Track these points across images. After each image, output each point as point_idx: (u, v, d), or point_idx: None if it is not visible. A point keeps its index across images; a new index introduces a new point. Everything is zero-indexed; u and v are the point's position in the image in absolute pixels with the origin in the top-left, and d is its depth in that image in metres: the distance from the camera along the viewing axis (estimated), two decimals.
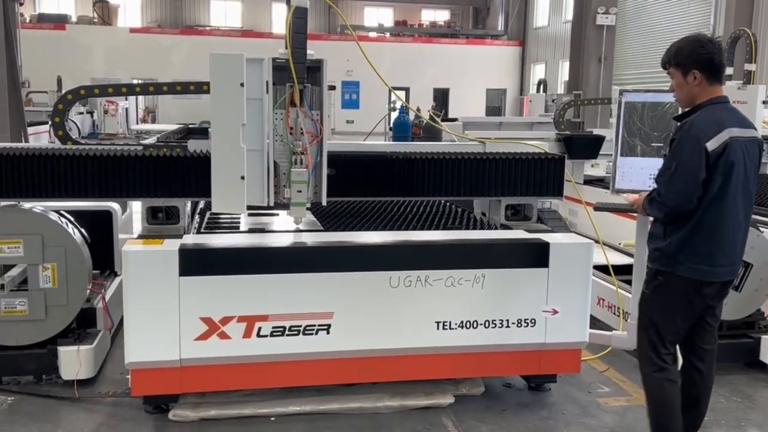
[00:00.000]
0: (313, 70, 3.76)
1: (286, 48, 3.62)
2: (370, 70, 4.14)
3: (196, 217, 4.85)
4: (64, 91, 6.98)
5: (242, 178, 3.51)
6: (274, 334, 3.76)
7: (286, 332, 3.77)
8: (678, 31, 21.76)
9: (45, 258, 4.20)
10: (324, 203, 3.87)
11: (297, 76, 3.64)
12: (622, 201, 4.37)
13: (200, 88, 4.64)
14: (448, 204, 5.35)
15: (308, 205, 3.86)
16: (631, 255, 5.05)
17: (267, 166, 3.68)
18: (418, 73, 29.31)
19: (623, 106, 4.33)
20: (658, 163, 4.23)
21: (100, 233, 4.91)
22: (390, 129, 16.38)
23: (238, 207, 3.61)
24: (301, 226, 4.25)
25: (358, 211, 5.04)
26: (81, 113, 20.98)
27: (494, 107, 32.33)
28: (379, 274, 3.86)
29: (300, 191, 3.77)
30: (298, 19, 3.61)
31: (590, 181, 7.52)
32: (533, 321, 4.07)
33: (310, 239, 4.01)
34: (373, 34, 33.33)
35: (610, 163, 4.44)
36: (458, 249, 4.01)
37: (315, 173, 3.82)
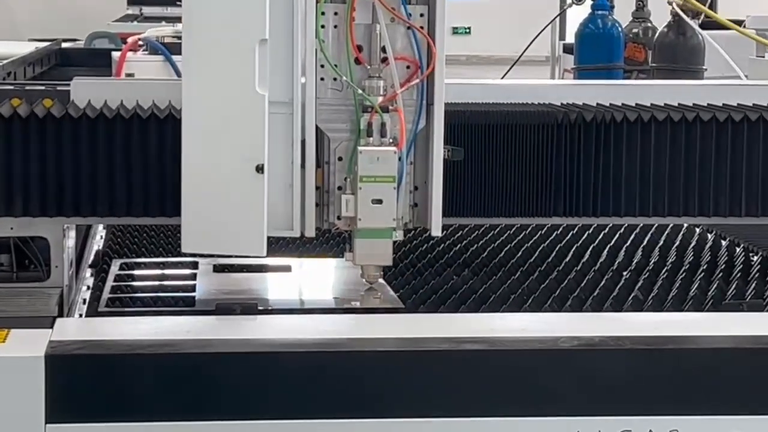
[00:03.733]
0: None
1: None
2: None
3: (85, 266, 2.71)
4: None
5: (259, 169, 2.20)
6: None
7: None
8: None
9: None
10: (438, 232, 2.27)
11: None
12: None
13: None
14: (710, 235, 3.06)
15: (399, 237, 2.23)
16: None
17: (302, 140, 2.19)
18: None
19: None
20: None
21: None
22: (565, 51, 8.15)
23: (252, 244, 2.09)
24: (347, 298, 2.41)
25: (467, 249, 2.82)
26: None
27: None
28: (549, 425, 1.91)
29: (380, 201, 2.21)
30: None
31: None
32: None
33: (367, 331, 2.10)
34: None
35: None
36: (753, 360, 1.98)
37: (414, 156, 2.25)
